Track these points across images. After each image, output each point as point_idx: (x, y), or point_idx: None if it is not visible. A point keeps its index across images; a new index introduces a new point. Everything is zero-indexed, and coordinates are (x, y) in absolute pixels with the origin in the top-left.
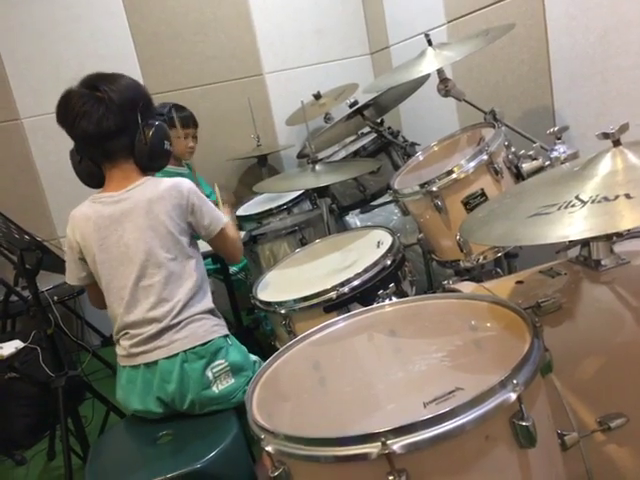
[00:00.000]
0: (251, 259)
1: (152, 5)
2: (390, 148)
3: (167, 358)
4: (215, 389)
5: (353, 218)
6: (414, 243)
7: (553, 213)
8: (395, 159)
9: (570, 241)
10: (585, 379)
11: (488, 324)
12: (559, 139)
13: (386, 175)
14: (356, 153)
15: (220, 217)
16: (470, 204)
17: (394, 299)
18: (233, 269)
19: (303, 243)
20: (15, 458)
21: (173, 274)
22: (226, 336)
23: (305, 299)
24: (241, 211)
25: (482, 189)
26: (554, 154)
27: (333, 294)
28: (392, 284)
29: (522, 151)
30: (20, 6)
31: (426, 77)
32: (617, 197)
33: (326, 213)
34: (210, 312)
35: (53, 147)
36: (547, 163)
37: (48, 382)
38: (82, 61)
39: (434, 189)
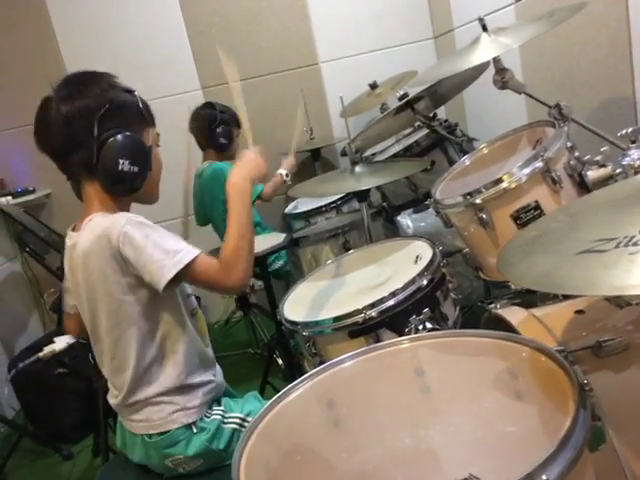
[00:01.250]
0: (292, 262)
1: None
2: (446, 143)
3: (131, 435)
4: (182, 470)
5: (405, 218)
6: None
7: (609, 252)
8: (451, 155)
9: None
10: None
11: (529, 376)
12: (634, 142)
13: (441, 172)
14: (408, 149)
15: (168, 262)
16: (521, 219)
17: (428, 325)
18: (279, 264)
19: (346, 247)
20: (62, 452)
21: (118, 343)
22: (189, 425)
23: (329, 322)
24: (289, 209)
25: (536, 201)
26: (626, 161)
27: (359, 318)
28: (427, 309)
29: (587, 156)
30: (76, 2)
31: (486, 64)
32: None
33: (367, 218)
34: (172, 392)
35: None
36: (618, 171)
37: (92, 382)
38: (137, 55)
39: (478, 201)
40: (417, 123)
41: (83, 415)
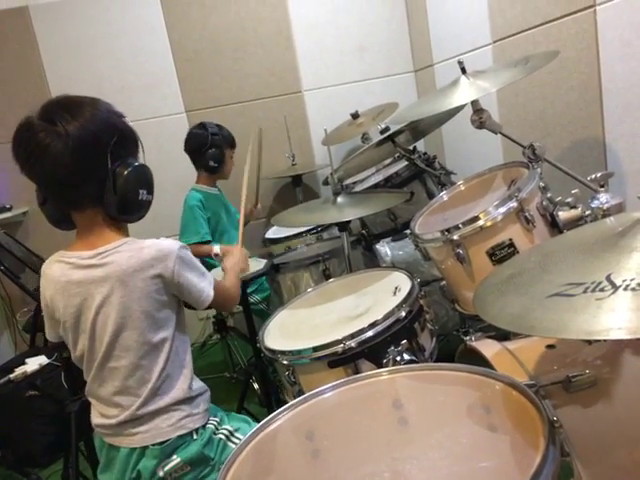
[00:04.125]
0: (273, 288)
1: (194, 22)
2: (425, 175)
3: (127, 448)
4: None
5: (384, 247)
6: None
7: (577, 296)
8: (430, 187)
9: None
10: (618, 475)
11: (502, 411)
12: (602, 186)
13: (420, 203)
14: (388, 179)
15: (208, 288)
16: (496, 255)
17: (406, 357)
18: (255, 298)
19: (326, 274)
20: (31, 477)
21: (143, 359)
22: (192, 431)
23: (309, 351)
24: (270, 233)
25: (510, 239)
26: (595, 203)
27: (339, 348)
28: (405, 340)
29: (559, 197)
30: (62, 23)
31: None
32: None
33: (347, 247)
34: (182, 402)
35: None
36: (587, 213)
37: (64, 405)
38: (123, 77)
39: (456, 237)
40: (397, 154)
41: (53, 439)
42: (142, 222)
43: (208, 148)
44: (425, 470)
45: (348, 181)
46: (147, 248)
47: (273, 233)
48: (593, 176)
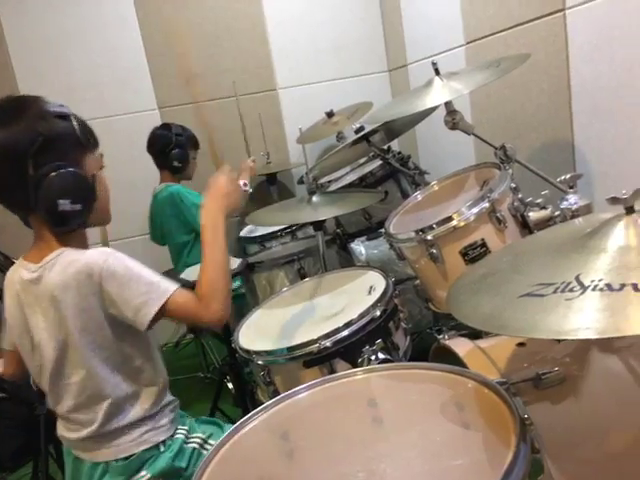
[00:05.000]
0: (247, 288)
1: (166, 16)
2: (399, 175)
3: (90, 462)
4: None
5: (358, 245)
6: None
7: (547, 296)
8: (404, 187)
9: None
10: (586, 468)
11: (474, 409)
12: (571, 187)
13: (394, 202)
14: (363, 179)
15: (147, 306)
16: (469, 255)
17: (380, 356)
18: (236, 283)
19: (301, 273)
20: None
21: (91, 379)
22: (159, 444)
23: (284, 351)
24: (245, 232)
25: (483, 239)
26: (564, 204)
27: (314, 347)
28: (380, 339)
29: (529, 198)
30: (32, 15)
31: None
32: (623, 287)
33: (322, 246)
34: (145, 418)
35: None
36: (557, 213)
37: (33, 407)
38: (94, 71)
39: (429, 237)
40: (372, 153)
41: (22, 442)
42: (114, 222)
43: (172, 148)
44: (399, 468)
45: (323, 180)
46: (75, 262)
47: (248, 232)
48: (563, 177)
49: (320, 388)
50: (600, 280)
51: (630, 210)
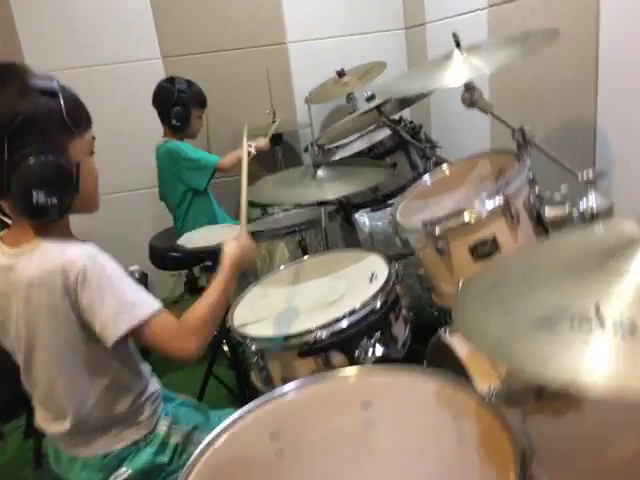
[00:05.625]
0: None
1: None
2: (409, 146)
3: (68, 456)
4: None
5: (362, 216)
6: None
7: (562, 326)
8: (413, 158)
9: None
10: None
11: (472, 429)
12: (592, 185)
13: (403, 175)
14: (372, 149)
15: (115, 325)
16: (478, 251)
17: (378, 349)
18: None
19: (302, 245)
20: None
21: (62, 379)
22: (138, 440)
23: (280, 340)
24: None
25: (494, 235)
26: (582, 205)
27: (310, 337)
28: (378, 332)
29: (547, 193)
30: None
31: None
32: None
33: (324, 220)
34: (121, 418)
35: None
36: (574, 212)
37: None
38: (95, 16)
39: (438, 231)
40: (382, 121)
41: (12, 395)
42: (113, 173)
43: (173, 105)
44: (388, 476)
45: (330, 145)
46: (53, 259)
47: (250, 196)
48: (585, 176)
49: (313, 386)
50: (622, 318)
51: None
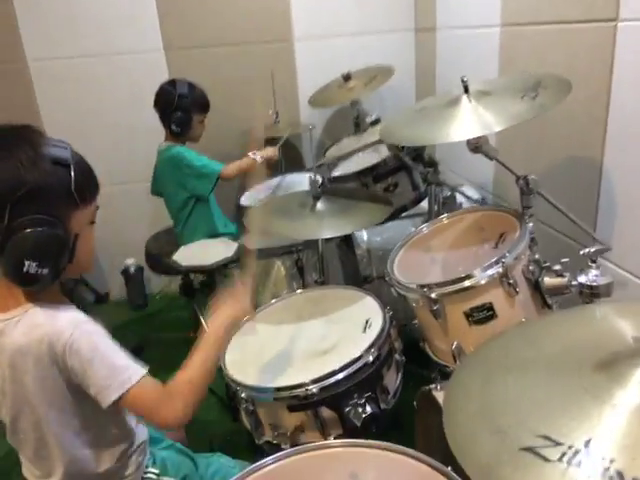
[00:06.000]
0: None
1: None
2: (412, 166)
3: None
4: None
5: (361, 231)
6: None
7: (553, 463)
8: (416, 179)
9: None
10: None
11: None
12: (594, 261)
13: (404, 195)
14: (374, 168)
15: (118, 381)
16: (474, 317)
17: (368, 409)
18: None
19: (298, 265)
20: None
21: (50, 440)
22: None
23: (271, 391)
24: (245, 200)
25: (490, 303)
26: (581, 278)
27: (301, 392)
28: (369, 391)
29: (546, 263)
30: None
31: None
32: None
33: (321, 244)
34: (108, 473)
35: (60, 94)
36: (573, 283)
37: None
38: (96, 5)
39: (434, 295)
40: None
41: None
42: (115, 166)
43: (174, 110)
44: None
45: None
46: (39, 327)
47: (248, 199)
48: (587, 250)
49: (302, 455)
50: (612, 462)
51: None
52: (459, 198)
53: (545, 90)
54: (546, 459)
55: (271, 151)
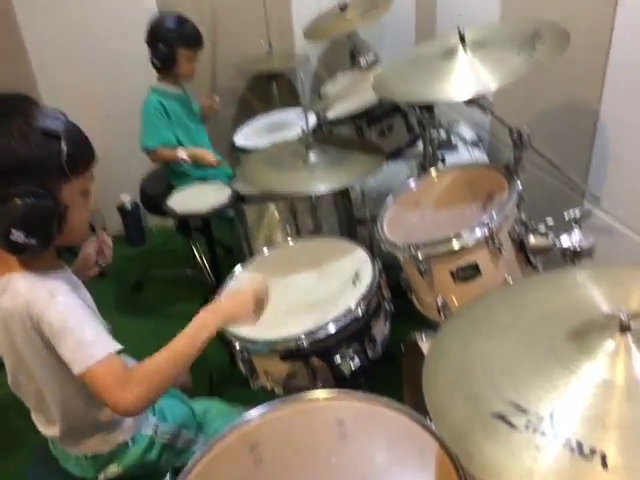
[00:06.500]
0: (237, 215)
1: None
2: (407, 110)
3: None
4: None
5: None
6: None
7: (518, 430)
8: (411, 121)
9: None
10: None
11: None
12: (577, 224)
13: (399, 137)
14: (369, 111)
15: (83, 357)
16: (459, 275)
17: (357, 360)
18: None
19: (292, 210)
20: None
21: (47, 395)
22: (126, 442)
23: (263, 343)
24: (240, 139)
25: (476, 262)
26: (564, 241)
27: (293, 344)
28: (357, 342)
29: (532, 221)
30: None
31: None
32: (593, 454)
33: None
34: (107, 424)
35: (46, 29)
36: (556, 245)
37: None
38: None
39: (420, 256)
40: None
41: None
42: (104, 98)
43: (157, 42)
44: None
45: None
46: (21, 296)
47: (243, 139)
48: (572, 214)
49: (291, 405)
50: (574, 432)
51: (625, 328)
52: (454, 140)
53: (542, 45)
54: (513, 426)
55: (207, 157)
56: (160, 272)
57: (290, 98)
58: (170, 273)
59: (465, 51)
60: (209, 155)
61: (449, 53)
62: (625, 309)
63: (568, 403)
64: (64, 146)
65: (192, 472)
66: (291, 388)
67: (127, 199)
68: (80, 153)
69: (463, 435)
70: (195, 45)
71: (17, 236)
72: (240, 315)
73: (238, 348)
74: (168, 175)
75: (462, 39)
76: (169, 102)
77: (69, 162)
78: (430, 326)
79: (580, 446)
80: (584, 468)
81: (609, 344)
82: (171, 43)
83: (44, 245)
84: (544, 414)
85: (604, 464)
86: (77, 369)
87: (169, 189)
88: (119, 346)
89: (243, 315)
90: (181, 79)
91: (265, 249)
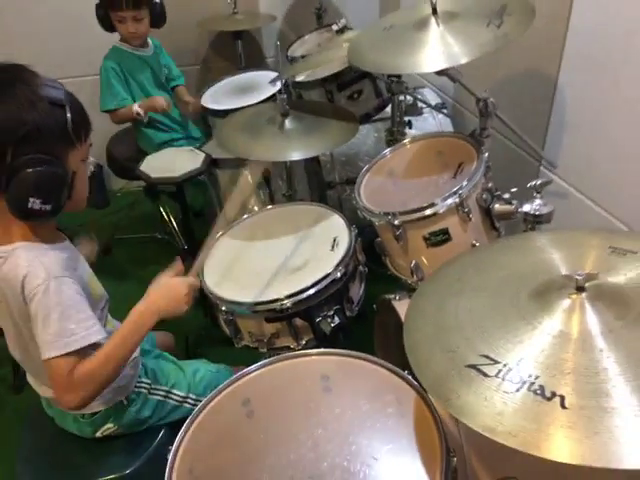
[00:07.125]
0: (210, 180)
1: None
2: (375, 75)
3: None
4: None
5: None
6: None
7: (490, 379)
8: (380, 88)
9: None
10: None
11: (411, 418)
12: (539, 192)
13: (368, 102)
14: (338, 75)
15: (47, 347)
16: (431, 240)
17: (336, 319)
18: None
19: (265, 177)
20: None
21: (41, 364)
22: (121, 400)
23: (249, 305)
24: (209, 101)
25: (447, 228)
26: (526, 207)
27: (277, 305)
28: (337, 303)
29: (498, 192)
30: None
31: None
32: (553, 396)
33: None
34: None
35: None
36: (519, 211)
37: None
38: None
39: (397, 222)
40: None
41: None
42: (63, 58)
43: (97, 5)
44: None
45: (296, 54)
46: (19, 268)
47: (212, 101)
48: (533, 183)
49: (279, 364)
50: (537, 378)
51: (581, 289)
52: (420, 105)
53: (509, 17)
54: (485, 374)
55: (158, 102)
56: (128, 236)
57: (255, 58)
58: (138, 236)
59: (437, 23)
60: (159, 99)
61: (421, 24)
62: (581, 271)
63: (531, 353)
64: (69, 114)
65: (192, 425)
66: (275, 347)
67: (90, 160)
68: (82, 121)
69: (442, 384)
70: (119, 7)
71: (34, 203)
72: (173, 313)
73: (223, 309)
74: (136, 137)
75: (434, 11)
76: (125, 62)
77: (74, 130)
78: (400, 287)
79: (542, 390)
80: (546, 409)
81: (566, 302)
82: (102, 5)
83: (56, 211)
84: (511, 364)
85: (563, 405)
86: (51, 353)
87: (139, 152)
88: (92, 340)
89: (176, 313)
90: (131, 42)
91: (246, 216)
